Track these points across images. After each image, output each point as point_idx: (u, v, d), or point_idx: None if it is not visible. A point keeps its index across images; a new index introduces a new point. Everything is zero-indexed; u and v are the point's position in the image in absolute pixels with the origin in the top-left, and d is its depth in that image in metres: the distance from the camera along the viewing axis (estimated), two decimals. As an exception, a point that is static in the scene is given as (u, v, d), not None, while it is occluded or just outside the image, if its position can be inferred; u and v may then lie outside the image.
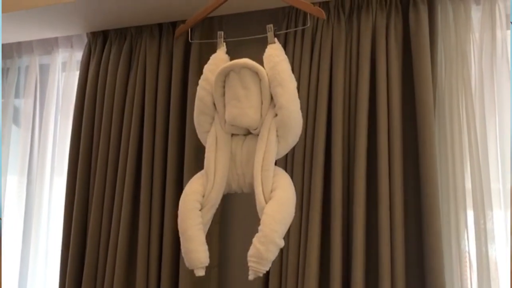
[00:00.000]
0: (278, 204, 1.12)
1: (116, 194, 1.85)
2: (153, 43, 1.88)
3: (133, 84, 1.89)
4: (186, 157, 1.76)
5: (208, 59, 1.28)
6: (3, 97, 2.29)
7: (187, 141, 1.77)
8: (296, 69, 1.60)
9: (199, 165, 1.73)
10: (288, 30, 1.65)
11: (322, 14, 1.28)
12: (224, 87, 1.20)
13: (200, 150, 1.70)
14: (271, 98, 1.17)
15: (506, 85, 1.50)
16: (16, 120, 2.36)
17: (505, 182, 1.46)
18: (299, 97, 1.20)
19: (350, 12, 1.62)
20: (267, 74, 1.17)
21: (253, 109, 1.17)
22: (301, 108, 1.20)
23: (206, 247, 1.17)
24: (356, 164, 1.51)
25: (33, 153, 2.24)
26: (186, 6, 1.70)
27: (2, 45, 2.29)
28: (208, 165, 1.20)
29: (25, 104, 2.27)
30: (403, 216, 1.48)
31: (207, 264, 1.17)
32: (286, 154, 1.34)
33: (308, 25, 1.60)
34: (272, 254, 1.09)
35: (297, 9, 1.64)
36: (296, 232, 1.56)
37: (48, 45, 2.22)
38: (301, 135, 1.22)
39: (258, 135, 1.18)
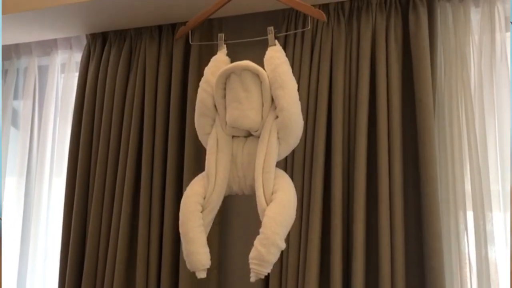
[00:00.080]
0: (279, 206, 1.12)
1: (115, 195, 1.85)
2: (152, 44, 1.88)
3: (133, 86, 1.89)
4: (186, 158, 1.76)
5: (208, 61, 1.29)
6: (2, 98, 2.29)
7: (186, 142, 1.77)
8: (296, 71, 1.60)
9: (199, 166, 1.73)
10: (288, 33, 1.66)
11: (323, 16, 1.29)
12: (225, 89, 1.21)
13: (200, 151, 1.71)
14: (272, 100, 1.18)
15: (506, 87, 1.50)
16: (15, 122, 2.35)
17: (505, 183, 1.47)
18: (299, 98, 1.20)
19: (350, 14, 1.62)
20: (268, 76, 1.17)
21: (254, 111, 1.17)
22: (301, 110, 1.20)
23: (207, 249, 1.17)
24: (356, 166, 1.52)
25: (32, 155, 2.24)
26: (186, 8, 1.70)
27: (1, 46, 2.28)
28: (209, 167, 1.20)
29: (24, 106, 2.26)
30: (403, 217, 1.48)
31: (208, 266, 1.17)
32: (286, 156, 1.35)
33: (309, 27, 1.61)
34: (273, 256, 1.09)
35: (297, 11, 1.65)
36: (296, 233, 1.56)
37: (47, 47, 2.22)
38: (301, 136, 1.22)
39: (259, 137, 1.19)
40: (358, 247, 1.47)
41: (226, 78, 1.19)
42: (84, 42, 2.07)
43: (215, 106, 1.23)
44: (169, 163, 1.78)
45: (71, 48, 2.17)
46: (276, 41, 1.23)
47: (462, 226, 1.47)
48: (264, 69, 1.18)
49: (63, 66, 2.21)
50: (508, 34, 1.53)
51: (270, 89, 1.17)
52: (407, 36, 1.55)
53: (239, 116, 1.17)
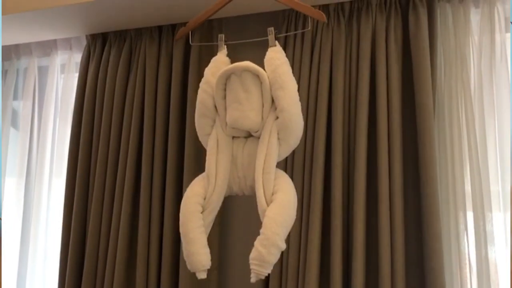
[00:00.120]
0: (279, 206, 1.12)
1: (115, 195, 1.85)
2: (152, 45, 1.88)
3: (133, 86, 1.89)
4: (186, 158, 1.76)
5: (208, 61, 1.29)
6: (1, 99, 2.29)
7: (186, 143, 1.77)
8: (296, 71, 1.60)
9: (199, 167, 1.73)
10: (289, 33, 1.66)
11: (323, 17, 1.29)
12: (225, 90, 1.21)
13: (200, 151, 1.71)
14: (272, 101, 1.18)
15: (506, 87, 1.50)
16: (14, 122, 2.35)
17: (505, 184, 1.47)
18: (299, 99, 1.20)
19: (350, 15, 1.63)
20: (268, 77, 1.17)
21: (254, 112, 1.17)
22: (301, 111, 1.20)
23: (208, 249, 1.17)
24: (356, 166, 1.52)
25: (31, 155, 2.24)
26: (186, 9, 1.70)
27: (1, 46, 2.28)
28: (209, 168, 1.20)
29: (24, 106, 2.26)
30: (403, 217, 1.49)
31: (209, 267, 1.17)
32: (287, 156, 1.35)
33: (309, 28, 1.61)
34: (274, 257, 1.09)
35: (297, 12, 1.65)
36: (297, 234, 1.56)
37: (47, 47, 2.22)
38: (301, 137, 1.22)
39: (259, 137, 1.19)
40: (358, 248, 1.47)
41: (226, 79, 1.19)
42: (84, 42, 2.07)
43: (215, 106, 1.23)
44: (169, 164, 1.78)
45: (71, 48, 2.17)
46: (276, 41, 1.23)
47: (462, 227, 1.47)
48: (264, 69, 1.18)
49: (63, 66, 2.21)
50: (508, 35, 1.53)
51: (270, 89, 1.17)
52: (407, 37, 1.56)
53: (239, 117, 1.17)
